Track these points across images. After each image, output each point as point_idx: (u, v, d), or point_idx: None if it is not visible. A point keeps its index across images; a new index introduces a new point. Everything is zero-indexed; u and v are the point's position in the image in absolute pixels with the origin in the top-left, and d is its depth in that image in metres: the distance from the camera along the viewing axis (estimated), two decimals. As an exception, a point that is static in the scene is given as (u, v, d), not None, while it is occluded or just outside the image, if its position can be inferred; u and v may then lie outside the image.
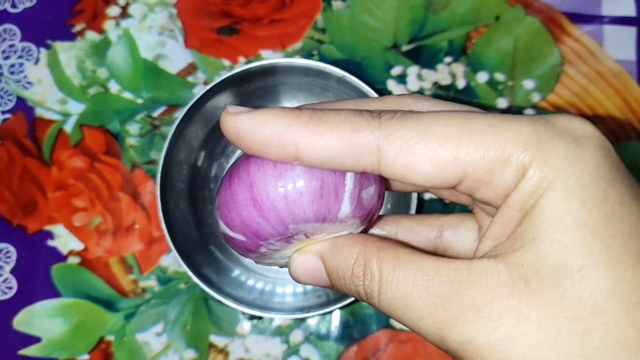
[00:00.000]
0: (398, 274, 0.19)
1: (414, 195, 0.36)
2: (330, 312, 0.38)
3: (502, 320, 0.17)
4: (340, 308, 0.36)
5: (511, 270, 0.18)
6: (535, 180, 0.18)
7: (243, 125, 0.19)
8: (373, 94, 0.34)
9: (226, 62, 0.44)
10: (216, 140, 0.40)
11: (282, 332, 0.41)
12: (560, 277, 0.17)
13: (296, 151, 0.19)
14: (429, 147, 0.18)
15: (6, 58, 0.44)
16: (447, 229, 0.25)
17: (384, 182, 0.23)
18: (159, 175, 0.35)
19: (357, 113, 0.19)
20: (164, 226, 0.35)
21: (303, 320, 0.41)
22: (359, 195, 0.21)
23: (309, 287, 0.39)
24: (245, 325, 0.41)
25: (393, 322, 0.42)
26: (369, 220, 0.23)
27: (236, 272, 0.39)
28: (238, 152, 0.42)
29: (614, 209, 0.17)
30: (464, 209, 0.41)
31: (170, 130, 0.35)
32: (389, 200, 0.40)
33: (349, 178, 0.21)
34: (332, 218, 0.21)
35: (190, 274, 0.34)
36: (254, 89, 0.38)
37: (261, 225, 0.21)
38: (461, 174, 0.18)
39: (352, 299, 0.35)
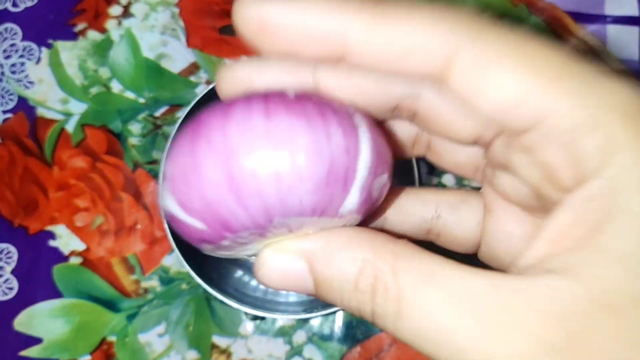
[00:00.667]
0: (427, 292, 0.14)
1: (415, 175, 0.35)
2: (334, 312, 0.38)
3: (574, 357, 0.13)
4: (342, 309, 0.35)
5: (597, 296, 0.13)
6: (629, 171, 0.13)
7: (273, 14, 0.14)
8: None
9: (229, 62, 0.44)
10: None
11: (285, 333, 0.41)
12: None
13: (344, 46, 0.14)
14: (513, 70, 0.14)
15: (7, 57, 0.44)
16: (447, 208, 0.20)
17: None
18: (161, 175, 0.35)
19: (432, 7, 0.14)
20: (166, 226, 0.34)
21: (306, 320, 0.41)
22: (370, 186, 0.16)
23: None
24: (248, 326, 0.41)
25: (396, 322, 0.41)
26: (370, 214, 0.17)
27: (239, 272, 0.39)
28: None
29: None
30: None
31: (173, 130, 0.34)
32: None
33: (363, 161, 0.15)
34: (332, 212, 0.16)
35: (193, 274, 0.34)
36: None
37: (235, 213, 0.15)
38: (537, 117, 0.14)
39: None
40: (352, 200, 0.16)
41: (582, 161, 0.14)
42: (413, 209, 0.20)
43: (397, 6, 0.14)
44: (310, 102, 0.15)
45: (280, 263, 0.16)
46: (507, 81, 0.14)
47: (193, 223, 0.16)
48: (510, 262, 0.16)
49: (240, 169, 0.14)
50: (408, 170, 0.35)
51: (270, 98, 0.15)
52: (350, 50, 0.14)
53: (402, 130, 0.19)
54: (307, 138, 0.14)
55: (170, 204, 0.16)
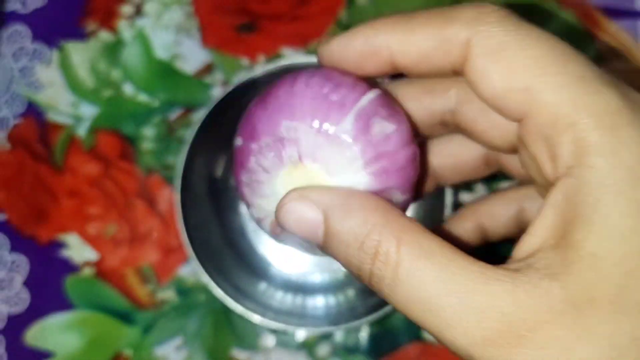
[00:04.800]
0: (423, 266, 0.16)
1: (448, 200, 0.34)
2: (359, 325, 0.36)
3: (545, 352, 0.14)
4: (370, 322, 0.34)
5: (564, 293, 0.15)
6: (597, 172, 0.15)
7: (336, 47, 0.19)
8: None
9: (245, 61, 0.42)
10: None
11: (307, 346, 0.39)
12: (617, 311, 0.14)
13: (390, 55, 0.18)
14: (511, 66, 0.16)
15: (16, 60, 0.43)
16: (528, 201, 0.22)
17: (416, 145, 0.20)
18: (178, 181, 0.33)
19: (449, 8, 0.18)
20: (184, 234, 0.33)
21: (330, 333, 0.40)
22: (368, 120, 0.19)
23: (341, 299, 0.37)
24: (269, 339, 0.39)
25: (424, 334, 0.40)
26: (381, 173, 0.19)
27: (263, 284, 0.37)
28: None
29: None
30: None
31: (191, 133, 0.33)
32: (421, 207, 0.38)
33: (366, 97, 0.19)
34: (330, 129, 0.19)
35: (212, 285, 0.33)
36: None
37: (259, 117, 0.20)
38: (527, 106, 0.16)
39: (384, 312, 0.33)
40: (348, 123, 0.19)
41: (558, 157, 0.15)
42: (499, 211, 0.24)
43: (421, 14, 0.18)
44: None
45: (299, 207, 0.18)
46: (502, 71, 0.16)
47: (237, 143, 0.22)
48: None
49: (272, 90, 0.20)
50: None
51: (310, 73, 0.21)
52: (395, 56, 0.18)
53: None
54: (328, 73, 0.20)
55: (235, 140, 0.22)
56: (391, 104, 0.20)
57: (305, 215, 0.18)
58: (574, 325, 0.14)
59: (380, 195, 0.19)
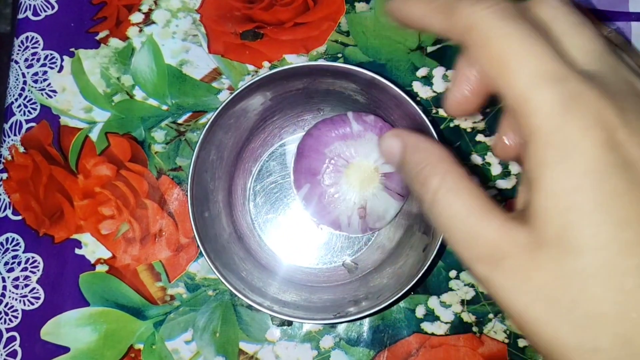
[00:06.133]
0: (452, 200, 0.22)
1: None
2: (362, 318, 0.37)
3: (512, 274, 0.20)
4: (371, 314, 0.35)
5: (529, 237, 0.20)
6: (538, 150, 0.20)
7: (401, 5, 0.24)
8: (404, 95, 0.34)
9: (250, 67, 0.44)
10: (245, 144, 0.40)
11: (312, 338, 0.41)
12: (560, 252, 0.20)
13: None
14: (488, 61, 0.21)
15: (29, 67, 0.44)
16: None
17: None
18: (190, 181, 0.35)
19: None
20: (195, 231, 0.34)
21: (333, 326, 0.41)
22: (362, 119, 0.36)
23: (345, 293, 0.38)
24: (275, 332, 0.41)
25: (424, 326, 0.41)
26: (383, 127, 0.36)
27: (270, 278, 0.38)
28: (264, 156, 0.41)
29: (605, 200, 0.19)
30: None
31: (201, 135, 0.34)
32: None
33: (349, 113, 0.36)
34: (350, 134, 0.35)
35: (221, 280, 0.34)
36: (282, 93, 0.37)
37: (309, 161, 0.35)
38: (501, 93, 0.21)
39: (382, 306, 0.34)
40: (353, 124, 0.36)
41: (525, 129, 0.20)
42: None
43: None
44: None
45: (391, 140, 0.26)
46: (509, 64, 0.20)
47: (304, 189, 0.37)
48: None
49: (300, 147, 0.37)
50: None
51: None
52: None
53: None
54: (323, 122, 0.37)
55: (298, 197, 0.37)
56: (362, 115, 0.36)
57: (392, 144, 0.26)
58: (533, 258, 0.20)
59: None
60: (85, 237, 0.42)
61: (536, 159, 0.20)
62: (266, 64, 0.44)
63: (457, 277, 0.41)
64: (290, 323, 0.41)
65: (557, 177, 0.20)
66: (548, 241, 0.20)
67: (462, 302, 0.41)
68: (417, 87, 0.43)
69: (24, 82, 0.44)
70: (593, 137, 0.19)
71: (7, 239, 0.42)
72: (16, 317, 0.41)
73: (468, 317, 0.41)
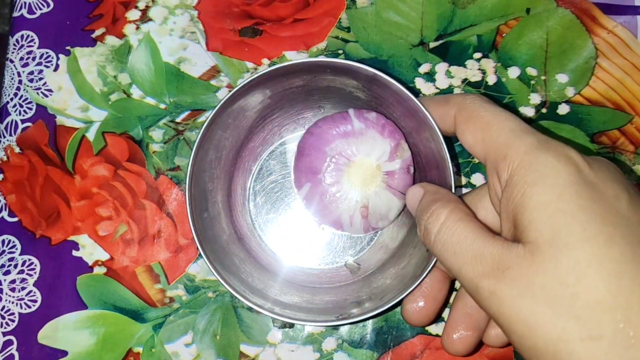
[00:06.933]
0: (457, 229, 0.27)
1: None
2: (365, 320, 0.37)
3: (516, 281, 0.24)
4: (374, 316, 0.35)
5: (526, 247, 0.24)
6: (520, 177, 0.25)
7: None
8: (406, 92, 0.33)
9: (249, 65, 0.43)
10: (245, 142, 0.39)
11: (314, 340, 0.40)
12: (554, 251, 0.23)
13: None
14: (475, 127, 0.29)
15: (24, 65, 0.43)
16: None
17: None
18: (188, 182, 0.34)
19: (448, 95, 0.32)
20: (194, 232, 0.33)
21: (336, 327, 0.40)
22: (364, 117, 0.35)
23: (347, 294, 0.38)
24: (276, 334, 0.40)
25: (429, 328, 0.40)
26: (390, 133, 0.35)
27: (271, 280, 0.38)
28: (264, 155, 0.40)
29: (585, 204, 0.23)
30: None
31: (198, 134, 0.33)
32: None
33: (350, 110, 0.36)
34: (351, 132, 0.35)
35: (221, 282, 0.33)
36: (282, 90, 0.36)
37: (310, 160, 0.35)
38: (485, 151, 0.28)
39: (386, 307, 0.33)
40: (357, 123, 0.35)
41: (501, 176, 0.27)
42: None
43: (435, 99, 0.32)
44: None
45: (415, 188, 0.32)
46: (472, 130, 0.29)
47: (305, 188, 0.36)
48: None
49: (300, 146, 0.36)
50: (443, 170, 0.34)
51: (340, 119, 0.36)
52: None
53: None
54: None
55: (299, 196, 0.37)
56: (364, 112, 0.36)
57: (416, 191, 0.32)
58: (531, 264, 0.23)
59: (396, 147, 0.35)
60: (83, 239, 0.41)
61: (519, 185, 0.25)
62: (265, 61, 0.43)
63: (462, 277, 0.41)
64: (291, 325, 0.40)
65: (541, 191, 0.24)
66: (543, 245, 0.23)
67: (467, 302, 0.41)
68: (419, 83, 0.43)
69: (19, 82, 0.43)
70: (565, 163, 0.24)
71: (3, 241, 0.41)
72: (13, 321, 0.41)
73: (473, 318, 0.40)
